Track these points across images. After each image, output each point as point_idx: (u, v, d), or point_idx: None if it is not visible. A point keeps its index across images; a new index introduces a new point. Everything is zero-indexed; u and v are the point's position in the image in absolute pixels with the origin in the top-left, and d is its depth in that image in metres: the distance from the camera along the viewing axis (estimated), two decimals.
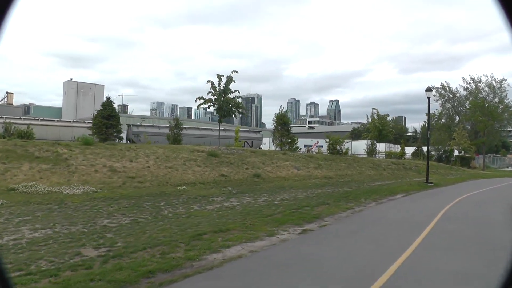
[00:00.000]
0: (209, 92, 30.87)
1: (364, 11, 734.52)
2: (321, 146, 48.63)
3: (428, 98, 29.47)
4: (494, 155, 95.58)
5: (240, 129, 46.52)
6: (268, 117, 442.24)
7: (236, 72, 31.08)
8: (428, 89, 29.43)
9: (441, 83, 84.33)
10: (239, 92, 31.66)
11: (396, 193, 21.99)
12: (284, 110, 37.74)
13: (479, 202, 19.84)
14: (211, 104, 31.28)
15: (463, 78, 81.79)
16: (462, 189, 26.80)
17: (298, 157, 32.54)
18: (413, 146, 66.89)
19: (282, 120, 37.01)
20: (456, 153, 66.06)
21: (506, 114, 75.93)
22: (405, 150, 58.77)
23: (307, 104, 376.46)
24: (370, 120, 47.54)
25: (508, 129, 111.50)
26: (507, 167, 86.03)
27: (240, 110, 32.87)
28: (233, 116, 33.16)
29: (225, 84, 30.80)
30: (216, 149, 27.72)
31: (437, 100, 78.79)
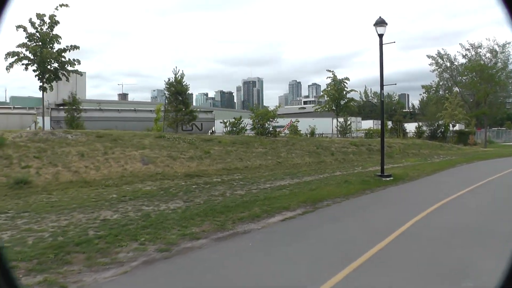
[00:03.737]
0: (22, 44, 18.81)
1: None
2: (297, 126, 38.08)
3: (380, 36, 17.34)
4: (499, 128, 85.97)
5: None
6: (270, 101, 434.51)
7: (66, 5, 18.93)
8: (379, 22, 17.25)
9: (438, 50, 72.12)
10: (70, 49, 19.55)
11: (279, 211, 10.36)
12: (178, 74, 25.40)
13: (451, 236, 8.09)
14: (29, 62, 19.13)
15: (461, 45, 70.02)
16: (435, 188, 15.26)
17: (183, 142, 20.69)
18: (412, 122, 57.98)
19: (174, 88, 24.95)
20: (456, 127, 54.96)
21: (510, 81, 64.28)
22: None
23: (309, 86, 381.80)
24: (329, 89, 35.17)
25: None
26: None
27: (70, 69, 20.58)
28: (61, 79, 20.93)
29: (48, 28, 18.68)
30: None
31: (434, 70, 67.17)
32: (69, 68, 20.81)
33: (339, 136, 41.99)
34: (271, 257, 6.89)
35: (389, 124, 50.82)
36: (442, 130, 52.91)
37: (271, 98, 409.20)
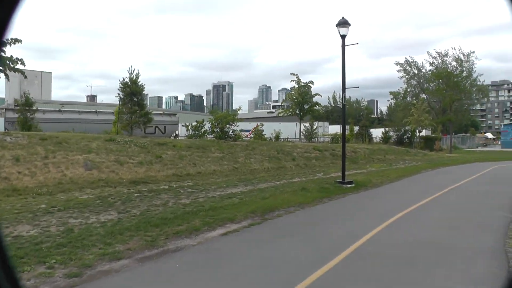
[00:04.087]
0: None
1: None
2: (262, 130, 37.26)
3: (343, 37, 16.38)
4: (464, 134, 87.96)
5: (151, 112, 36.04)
6: (239, 105, 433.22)
7: None
8: (342, 23, 16.30)
9: (405, 57, 72.58)
10: None
11: (223, 223, 9.28)
12: (134, 73, 23.83)
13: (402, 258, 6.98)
14: None
15: (428, 53, 70.31)
16: (398, 196, 14.42)
17: (135, 146, 19.29)
18: (379, 128, 57.79)
19: (129, 89, 23.48)
20: (423, 133, 55.07)
21: (474, 89, 65.35)
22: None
23: (278, 90, 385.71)
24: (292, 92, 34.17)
25: (477, 108, 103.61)
26: (477, 147, 79.98)
27: (12, 66, 18.63)
28: None
29: None
30: None
31: (402, 77, 67.58)
32: (11, 65, 18.90)
33: (305, 141, 41.26)
34: (197, 284, 5.69)
35: (356, 129, 50.36)
36: (409, 135, 52.85)
37: (241, 102, 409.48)
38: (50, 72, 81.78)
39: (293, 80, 33.67)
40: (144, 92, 25.16)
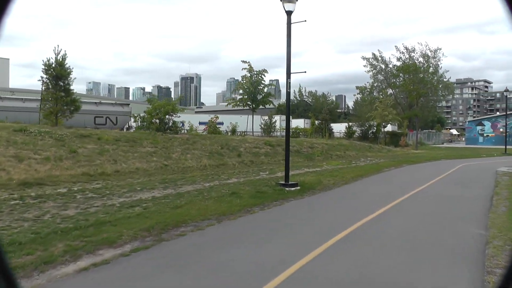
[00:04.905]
0: None
1: None
2: (221, 123, 36.11)
3: (288, 13, 13.62)
4: (430, 130, 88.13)
5: (102, 102, 35.72)
6: (207, 98, 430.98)
7: None
8: None
9: (373, 52, 71.04)
10: None
11: (96, 248, 6.48)
12: (60, 54, 20.52)
13: None
14: None
15: (396, 47, 68.67)
16: (351, 203, 11.86)
17: (50, 138, 16.17)
18: (345, 122, 56.41)
19: (54, 71, 20.18)
20: (389, 128, 53.46)
21: (441, 85, 64.56)
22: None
23: None
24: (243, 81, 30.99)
25: (443, 105, 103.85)
26: (442, 143, 79.87)
27: None
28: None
29: None
30: None
31: (368, 71, 65.79)
32: None
33: (263, 134, 38.80)
34: None
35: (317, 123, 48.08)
36: (374, 131, 50.98)
37: (209, 95, 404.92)
38: (8, 59, 76.59)
39: (244, 68, 30.61)
40: (72, 76, 21.79)
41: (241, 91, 32.38)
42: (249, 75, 30.20)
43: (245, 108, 35.86)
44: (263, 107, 33.17)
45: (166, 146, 19.37)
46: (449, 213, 10.09)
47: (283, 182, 13.36)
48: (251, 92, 29.91)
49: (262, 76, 30.22)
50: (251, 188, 12.29)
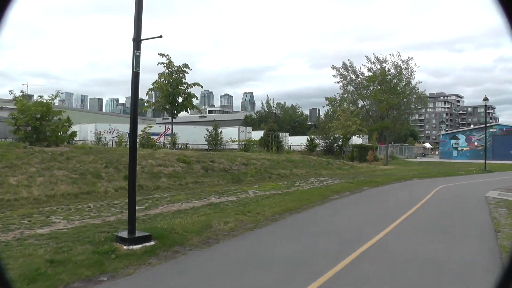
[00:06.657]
0: None
1: (275, 9, 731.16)
2: (174, 134, 31.71)
3: None
4: (402, 144, 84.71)
5: None
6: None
7: None
8: None
9: (343, 61, 66.38)
10: None
11: None
12: None
13: None
14: None
15: (367, 57, 63.85)
16: (244, 280, 5.30)
17: None
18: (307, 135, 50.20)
19: None
20: (359, 141, 48.28)
21: (414, 97, 60.17)
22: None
23: (221, 96, 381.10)
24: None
25: (416, 118, 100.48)
26: (416, 157, 76.64)
27: None
28: None
29: None
30: None
31: (338, 82, 60.83)
32: None
33: (210, 148, 32.97)
34: None
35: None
36: (340, 144, 45.42)
37: None
38: None
39: (161, 63, 23.86)
40: None
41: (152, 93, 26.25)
42: (167, 71, 23.63)
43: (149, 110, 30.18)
44: (186, 112, 26.87)
45: (13, 164, 13.01)
46: None
47: (127, 235, 7.21)
48: (169, 93, 23.41)
49: (184, 74, 23.80)
50: (52, 250, 6.10)
